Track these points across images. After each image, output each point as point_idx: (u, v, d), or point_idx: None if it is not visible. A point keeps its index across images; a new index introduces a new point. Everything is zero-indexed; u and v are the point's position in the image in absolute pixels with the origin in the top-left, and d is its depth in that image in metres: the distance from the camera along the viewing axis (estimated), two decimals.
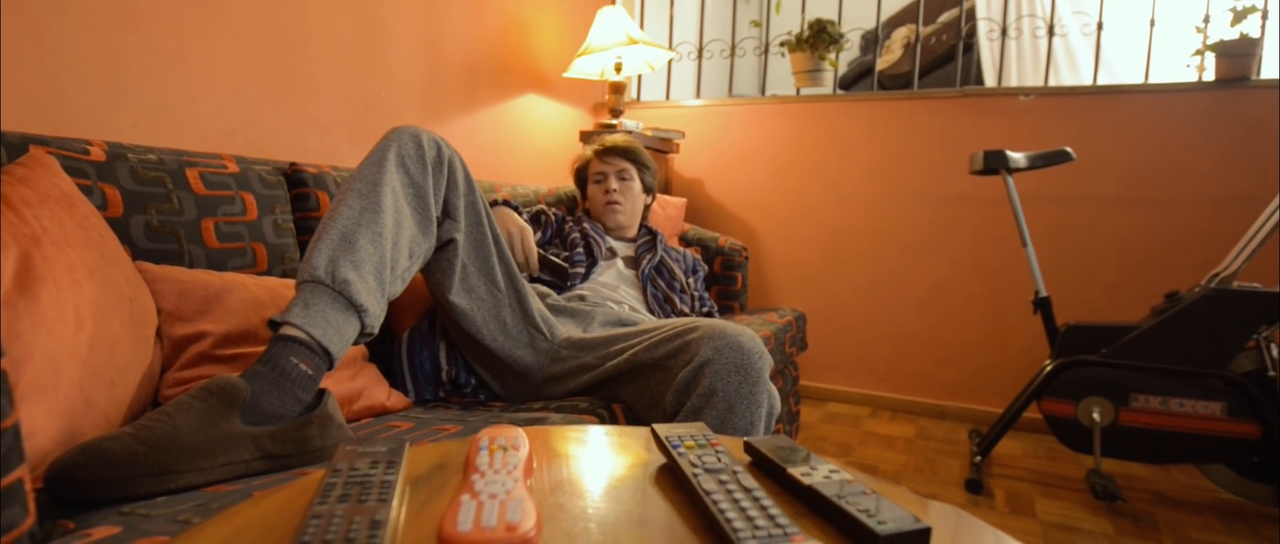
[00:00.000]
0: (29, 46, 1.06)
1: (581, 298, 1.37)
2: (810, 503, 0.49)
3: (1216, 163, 2.02)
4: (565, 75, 2.37)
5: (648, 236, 1.66)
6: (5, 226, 0.67)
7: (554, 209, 1.60)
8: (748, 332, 0.97)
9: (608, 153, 1.68)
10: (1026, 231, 1.84)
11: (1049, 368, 1.72)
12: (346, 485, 0.45)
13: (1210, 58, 2.06)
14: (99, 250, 0.79)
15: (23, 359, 0.62)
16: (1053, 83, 2.80)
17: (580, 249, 1.49)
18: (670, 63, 2.52)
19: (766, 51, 2.81)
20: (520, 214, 1.43)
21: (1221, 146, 2.01)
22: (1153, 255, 2.10)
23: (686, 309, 1.53)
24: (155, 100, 1.24)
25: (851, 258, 2.48)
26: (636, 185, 1.66)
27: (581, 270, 1.43)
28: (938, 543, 0.44)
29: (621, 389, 1.09)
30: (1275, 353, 1.58)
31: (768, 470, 0.55)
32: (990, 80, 2.97)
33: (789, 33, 2.56)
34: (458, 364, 1.18)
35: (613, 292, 1.42)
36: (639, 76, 2.81)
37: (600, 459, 0.59)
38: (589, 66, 2.33)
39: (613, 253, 1.56)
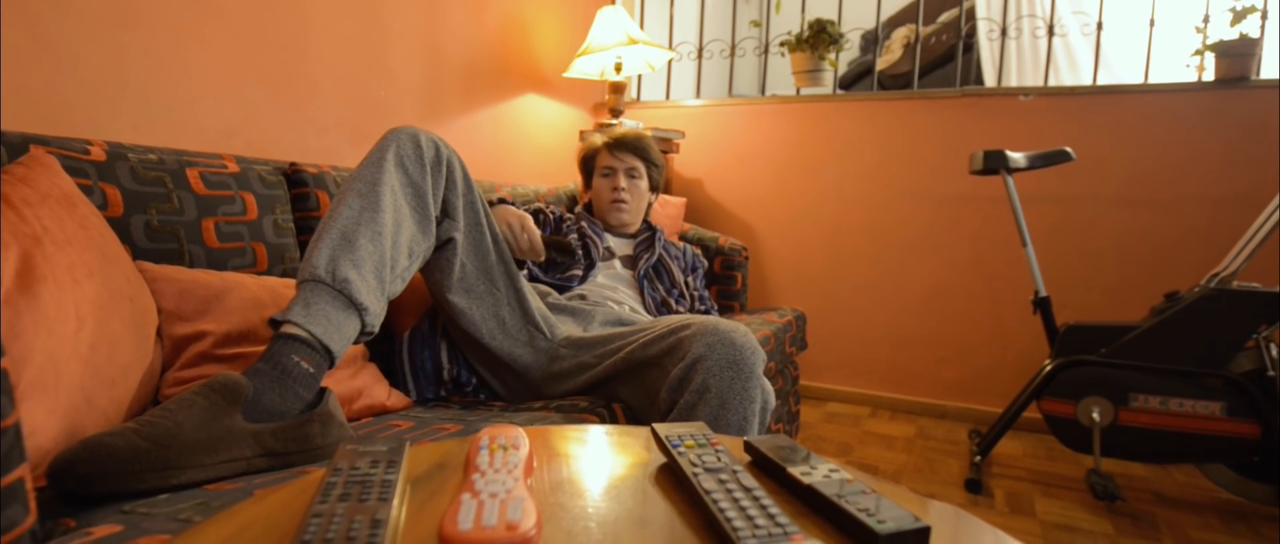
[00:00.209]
0: (29, 46, 1.06)
1: (582, 297, 1.36)
2: (810, 502, 0.49)
3: (1216, 163, 2.02)
4: (565, 75, 2.37)
5: (647, 233, 1.62)
6: (6, 226, 0.67)
7: (552, 208, 1.59)
8: (740, 327, 0.97)
9: (619, 147, 1.59)
10: (1026, 231, 1.84)
11: (1049, 368, 1.72)
12: (347, 484, 0.45)
13: (1210, 58, 2.06)
14: (100, 250, 0.79)
15: (24, 358, 0.62)
16: (1053, 83, 2.80)
17: (578, 250, 1.48)
18: (670, 63, 2.52)
19: (766, 51, 2.81)
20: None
21: (1221, 146, 2.01)
22: (1152, 255, 2.10)
23: (683, 311, 1.52)
24: (155, 100, 1.24)
25: (851, 258, 2.48)
26: (644, 183, 1.60)
27: (579, 272, 1.42)
28: (937, 542, 0.44)
29: (621, 388, 1.09)
30: (1275, 353, 1.58)
31: (768, 470, 0.55)
32: (990, 80, 2.97)
33: (789, 33, 2.56)
34: (459, 363, 1.18)
35: (612, 292, 1.42)
36: (639, 76, 2.81)
37: (600, 459, 0.60)
38: (589, 66, 2.33)
39: (610, 253, 1.54)
